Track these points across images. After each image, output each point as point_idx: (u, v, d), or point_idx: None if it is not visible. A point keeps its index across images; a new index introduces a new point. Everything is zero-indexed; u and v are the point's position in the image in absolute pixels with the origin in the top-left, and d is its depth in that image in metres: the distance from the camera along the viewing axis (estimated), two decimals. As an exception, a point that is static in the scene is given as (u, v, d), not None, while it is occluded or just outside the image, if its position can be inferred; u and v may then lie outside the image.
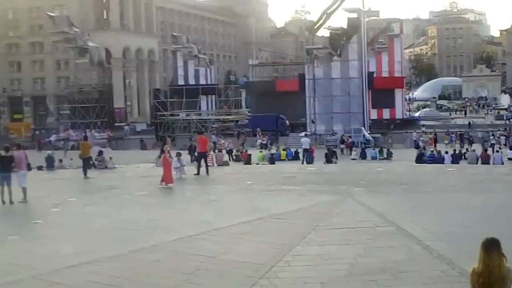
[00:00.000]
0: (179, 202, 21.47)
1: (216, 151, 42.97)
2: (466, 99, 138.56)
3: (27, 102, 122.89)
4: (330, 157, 44.70)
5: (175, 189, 24.14)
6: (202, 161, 28.85)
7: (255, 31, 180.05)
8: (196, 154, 32.35)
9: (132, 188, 24.53)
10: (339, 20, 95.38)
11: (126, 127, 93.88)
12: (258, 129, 72.03)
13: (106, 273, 11.14)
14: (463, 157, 44.74)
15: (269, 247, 12.96)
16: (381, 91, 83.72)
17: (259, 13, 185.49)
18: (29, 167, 23.51)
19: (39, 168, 36.26)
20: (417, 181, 25.64)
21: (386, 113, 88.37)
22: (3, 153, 21.28)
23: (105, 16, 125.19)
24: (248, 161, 44.99)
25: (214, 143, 45.59)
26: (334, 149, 51.34)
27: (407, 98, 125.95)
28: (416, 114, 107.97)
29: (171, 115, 78.91)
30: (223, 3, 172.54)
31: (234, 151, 49.93)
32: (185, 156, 33.46)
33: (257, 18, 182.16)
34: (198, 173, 28.27)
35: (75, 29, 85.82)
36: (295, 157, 48.86)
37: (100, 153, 37.97)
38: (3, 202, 20.38)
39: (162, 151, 25.51)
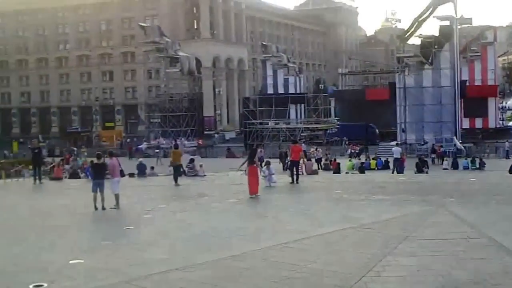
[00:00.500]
0: (269, 211, 21.39)
1: (306, 159, 42.81)
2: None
3: (119, 110, 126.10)
4: (421, 167, 43.84)
5: (264, 198, 24.08)
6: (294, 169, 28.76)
7: (345, 40, 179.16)
8: (288, 162, 32.31)
9: (222, 196, 24.67)
10: (431, 28, 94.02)
11: (216, 135, 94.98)
12: (345, 138, 71.41)
13: (196, 280, 11.16)
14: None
15: (359, 257, 12.71)
16: (474, 99, 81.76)
17: (349, 22, 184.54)
18: (122, 174, 24.03)
19: (131, 175, 37.00)
20: (511, 192, 24.77)
21: (478, 122, 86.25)
22: (95, 160, 21.80)
23: (195, 26, 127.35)
24: (337, 170, 44.65)
25: (305, 151, 45.43)
26: (425, 159, 50.33)
27: (500, 107, 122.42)
28: (510, 123, 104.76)
29: (260, 123, 79.23)
30: (313, 12, 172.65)
31: (323, 159, 49.63)
32: (276, 165, 33.47)
33: (347, 26, 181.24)
34: (293, 181, 28.14)
35: (166, 39, 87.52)
36: (385, 166, 48.16)
37: (191, 160, 38.43)
38: (96, 208, 20.85)
39: (250, 160, 25.25)
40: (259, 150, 32.56)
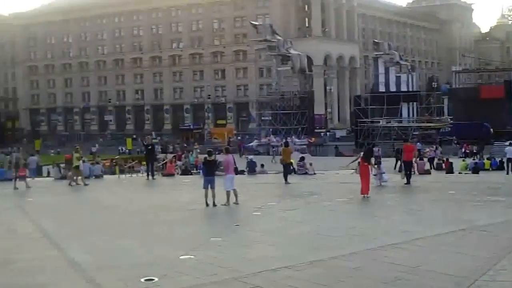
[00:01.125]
0: (379, 210, 21.05)
1: (418, 159, 41.88)
2: None
3: (230, 108, 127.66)
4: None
5: (375, 197, 23.68)
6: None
7: (459, 37, 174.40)
8: (400, 162, 31.69)
9: (332, 195, 24.48)
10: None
11: (326, 134, 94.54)
12: (454, 137, 69.53)
13: (305, 278, 11.07)
14: None
15: (472, 260, 12.28)
16: None
17: (463, 18, 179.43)
18: (236, 171, 24.24)
19: (241, 172, 37.31)
20: None
21: None
22: (207, 157, 22.08)
23: (306, 24, 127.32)
24: (450, 170, 43.45)
25: (419, 150, 44.50)
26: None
27: None
28: None
29: (371, 122, 78.31)
30: (426, 9, 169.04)
31: (436, 159, 48.46)
32: (389, 163, 32.96)
33: (461, 23, 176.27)
34: (408, 182, 27.58)
35: (278, 37, 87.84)
36: (500, 167, 46.44)
37: (302, 159, 38.38)
38: (207, 205, 21.09)
39: (366, 159, 24.58)
40: (376, 149, 31.99)
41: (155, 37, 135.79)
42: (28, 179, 31.95)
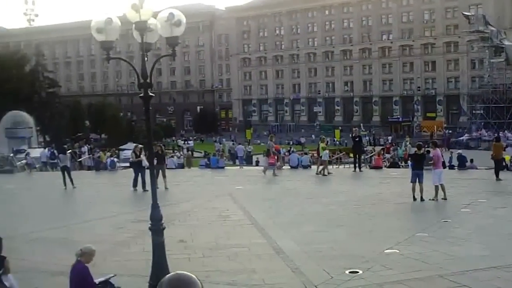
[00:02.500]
0: None
1: None
2: None
3: (440, 100, 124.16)
4: None
5: None
6: None
7: None
8: None
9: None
10: None
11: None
12: None
13: (515, 280, 10.64)
14: None
15: None
16: None
17: None
18: (444, 165, 23.62)
19: (450, 167, 36.28)
20: None
21: None
22: (416, 151, 21.76)
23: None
24: None
25: None
26: None
27: None
28: None
29: None
30: None
31: None
32: None
33: None
34: None
35: (491, 28, 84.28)
36: None
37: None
38: (414, 199, 20.81)
39: None
40: None
41: (364, 29, 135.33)
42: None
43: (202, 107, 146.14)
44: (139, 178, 25.70)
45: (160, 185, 23.21)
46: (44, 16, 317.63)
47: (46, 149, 46.64)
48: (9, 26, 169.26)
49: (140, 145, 27.95)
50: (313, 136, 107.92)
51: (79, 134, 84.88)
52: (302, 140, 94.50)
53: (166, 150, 55.05)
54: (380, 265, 11.83)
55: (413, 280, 10.82)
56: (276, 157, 33.66)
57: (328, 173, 31.21)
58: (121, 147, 63.49)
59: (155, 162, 27.25)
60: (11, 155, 45.77)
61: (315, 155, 37.43)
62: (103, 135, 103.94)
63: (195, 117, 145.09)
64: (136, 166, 26.51)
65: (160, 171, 25.06)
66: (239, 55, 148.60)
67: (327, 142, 33.34)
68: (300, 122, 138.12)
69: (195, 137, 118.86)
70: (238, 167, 44.24)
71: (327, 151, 31.92)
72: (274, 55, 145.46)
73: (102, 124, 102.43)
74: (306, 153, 40.39)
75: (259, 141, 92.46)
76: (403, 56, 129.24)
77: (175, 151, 59.50)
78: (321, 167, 31.42)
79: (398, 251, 13.09)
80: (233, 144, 71.29)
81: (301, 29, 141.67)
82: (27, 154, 39.44)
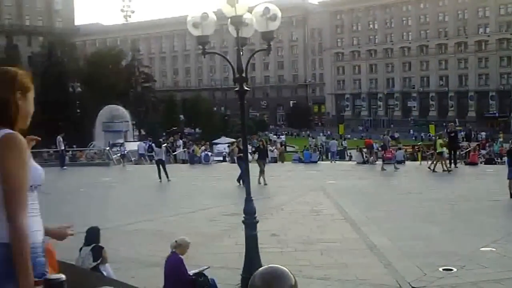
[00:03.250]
0: None
1: None
2: None
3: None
4: None
5: None
6: None
7: None
8: None
9: None
10: None
11: None
12: None
13: None
14: None
15: None
16: None
17: None
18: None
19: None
20: None
21: None
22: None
23: None
24: None
25: None
26: None
27: None
28: None
29: None
30: None
31: None
32: None
33: None
34: None
35: None
36: None
37: None
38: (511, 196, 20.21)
39: None
40: None
41: (460, 22, 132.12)
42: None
43: (295, 101, 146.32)
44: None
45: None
46: (140, 12, 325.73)
47: (143, 142, 47.70)
48: (107, 23, 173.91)
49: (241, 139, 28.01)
50: (411, 131, 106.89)
51: (174, 128, 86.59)
52: (396, 135, 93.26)
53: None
54: (475, 263, 11.54)
55: (508, 280, 10.50)
56: (385, 152, 33.61)
57: (448, 169, 30.41)
58: (214, 141, 64.36)
59: (256, 156, 27.69)
60: (108, 148, 47.06)
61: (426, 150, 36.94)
62: (197, 129, 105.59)
63: (287, 112, 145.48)
64: (243, 161, 26.39)
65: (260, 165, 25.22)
66: (332, 49, 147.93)
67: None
68: (394, 117, 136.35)
69: (286, 132, 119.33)
70: (331, 161, 44.13)
71: (445, 148, 31.33)
72: (368, 49, 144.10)
73: (196, 118, 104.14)
74: (400, 148, 39.80)
75: (349, 136, 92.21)
76: (500, 50, 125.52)
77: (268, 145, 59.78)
78: (439, 163, 30.81)
79: (494, 249, 12.72)
80: (326, 138, 71.10)
81: (395, 22, 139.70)
82: (122, 146, 40.48)
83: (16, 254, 3.21)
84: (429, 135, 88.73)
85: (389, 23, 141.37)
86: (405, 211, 18.54)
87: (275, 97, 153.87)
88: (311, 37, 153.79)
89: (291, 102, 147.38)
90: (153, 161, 34.59)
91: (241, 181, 25.06)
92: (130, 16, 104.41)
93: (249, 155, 25.10)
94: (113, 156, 43.36)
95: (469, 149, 42.70)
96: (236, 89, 10.39)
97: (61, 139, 38.14)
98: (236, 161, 28.46)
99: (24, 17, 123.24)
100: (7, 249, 3.23)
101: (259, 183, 25.87)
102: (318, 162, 40.32)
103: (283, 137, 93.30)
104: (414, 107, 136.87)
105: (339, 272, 11.45)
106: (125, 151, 39.38)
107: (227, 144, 57.93)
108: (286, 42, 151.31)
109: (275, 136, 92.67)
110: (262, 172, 26.26)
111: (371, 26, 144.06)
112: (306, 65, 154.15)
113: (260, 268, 2.93)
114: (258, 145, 29.76)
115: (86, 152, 51.83)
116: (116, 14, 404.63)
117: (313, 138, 77.08)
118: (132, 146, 49.75)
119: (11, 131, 3.30)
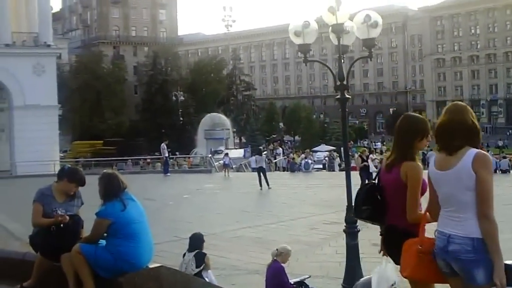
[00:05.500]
0: None
1: None
2: None
3: None
4: None
5: None
6: None
7: None
8: None
9: None
10: None
11: None
12: None
13: None
14: None
15: None
16: None
17: None
18: None
19: None
20: None
21: None
22: None
23: None
24: None
25: None
26: None
27: None
28: None
29: None
30: None
31: None
32: None
33: None
34: None
35: None
36: None
37: None
38: None
39: None
40: None
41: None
42: None
43: (394, 108, 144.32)
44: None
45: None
46: (240, 21, 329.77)
47: (244, 150, 48.16)
48: (209, 33, 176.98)
49: (365, 149, 27.56)
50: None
51: (274, 135, 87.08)
52: (500, 143, 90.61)
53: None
54: None
55: None
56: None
57: None
58: (314, 148, 64.29)
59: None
60: (210, 155, 47.76)
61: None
62: (296, 137, 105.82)
63: (387, 119, 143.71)
64: (364, 172, 26.12)
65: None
66: (432, 55, 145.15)
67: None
68: (497, 124, 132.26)
69: (382, 140, 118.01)
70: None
71: None
72: (470, 55, 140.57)
73: (296, 125, 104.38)
74: (504, 157, 38.61)
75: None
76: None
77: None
78: None
79: None
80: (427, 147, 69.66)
81: (499, 27, 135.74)
82: (226, 154, 40.99)
83: (493, 244, 4.34)
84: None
85: (492, 27, 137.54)
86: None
87: (374, 104, 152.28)
88: (411, 43, 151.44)
89: (390, 109, 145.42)
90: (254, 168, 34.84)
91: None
92: (231, 26, 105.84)
93: (372, 165, 24.73)
94: (215, 163, 43.95)
95: None
96: (337, 97, 10.36)
97: (165, 146, 39.13)
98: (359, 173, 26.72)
99: (130, 28, 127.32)
100: (479, 243, 4.38)
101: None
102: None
103: (378, 144, 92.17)
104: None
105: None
106: (229, 161, 39.79)
107: (326, 152, 57.84)
108: (386, 48, 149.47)
109: (379, 144, 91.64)
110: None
111: (472, 31, 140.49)
112: (406, 72, 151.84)
113: (362, 279, 2.93)
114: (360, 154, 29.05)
115: (190, 158, 52.99)
116: (217, 24, 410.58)
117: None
118: (234, 153, 50.29)
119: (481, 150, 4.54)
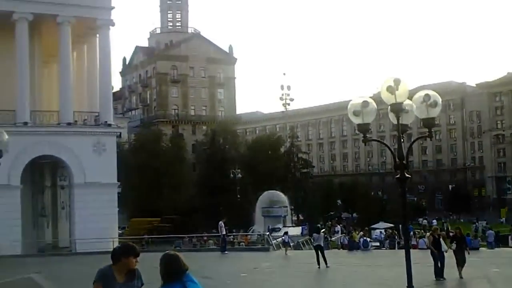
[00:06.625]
0: None
1: None
2: None
3: None
4: None
5: None
6: None
7: None
8: None
9: None
10: None
11: None
12: None
13: None
14: None
15: None
16: None
17: None
18: None
19: None
20: None
21: None
22: None
23: None
24: None
25: None
26: None
27: None
28: None
29: None
30: None
31: None
32: None
33: None
34: None
35: None
36: None
37: None
38: None
39: None
40: None
41: None
42: None
43: (453, 185, 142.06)
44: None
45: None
46: (298, 100, 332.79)
47: (302, 227, 47.90)
48: (266, 111, 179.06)
49: (437, 227, 26.61)
50: None
51: (331, 213, 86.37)
52: None
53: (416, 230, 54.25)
54: None
55: None
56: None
57: None
58: (372, 225, 63.56)
59: (454, 246, 25.31)
60: (267, 233, 47.55)
61: None
62: (354, 214, 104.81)
63: (446, 196, 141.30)
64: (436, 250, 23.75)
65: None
66: (492, 131, 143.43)
67: None
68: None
69: (437, 217, 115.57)
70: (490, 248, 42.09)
71: None
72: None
73: (353, 202, 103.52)
74: None
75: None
76: None
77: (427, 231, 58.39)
78: None
79: None
80: (486, 224, 68.05)
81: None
82: (286, 233, 40.65)
83: None
84: None
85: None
86: None
87: (433, 181, 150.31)
88: (469, 119, 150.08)
89: (449, 186, 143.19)
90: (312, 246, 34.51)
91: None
92: (289, 104, 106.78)
93: (444, 244, 23.51)
94: (273, 241, 43.64)
95: None
96: (397, 176, 10.33)
97: (223, 224, 39.14)
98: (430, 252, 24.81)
99: (189, 107, 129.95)
100: None
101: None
102: (480, 248, 38.68)
103: (434, 222, 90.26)
104: None
105: None
106: (288, 239, 39.46)
107: (383, 229, 57.18)
108: (444, 125, 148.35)
109: (434, 221, 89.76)
110: (460, 263, 23.40)
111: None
112: (465, 148, 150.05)
113: None
114: (455, 233, 26.34)
115: (247, 236, 52.87)
116: (275, 102, 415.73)
117: (473, 224, 74.07)
118: (293, 231, 49.99)
119: None
